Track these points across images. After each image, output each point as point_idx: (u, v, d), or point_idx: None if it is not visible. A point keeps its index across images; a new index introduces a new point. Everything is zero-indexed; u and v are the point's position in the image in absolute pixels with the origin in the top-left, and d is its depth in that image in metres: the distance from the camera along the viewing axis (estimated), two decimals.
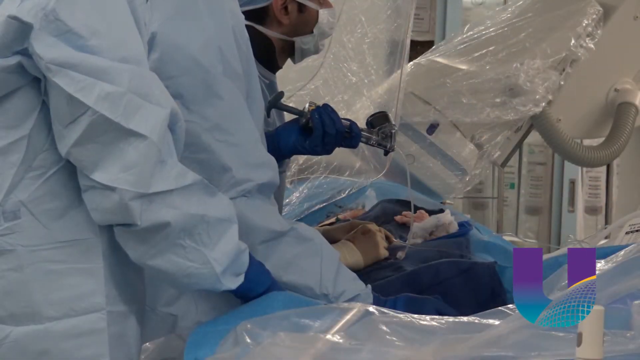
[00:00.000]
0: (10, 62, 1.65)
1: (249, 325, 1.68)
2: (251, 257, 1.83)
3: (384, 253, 2.46)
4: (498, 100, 2.99)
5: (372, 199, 3.17)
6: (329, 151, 2.36)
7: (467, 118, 3.02)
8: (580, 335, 1.37)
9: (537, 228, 5.36)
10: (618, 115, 3.05)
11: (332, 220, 2.95)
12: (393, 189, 3.16)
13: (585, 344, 1.36)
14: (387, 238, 2.57)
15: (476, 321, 1.65)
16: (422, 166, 3.05)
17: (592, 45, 3.01)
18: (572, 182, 5.23)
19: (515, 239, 3.51)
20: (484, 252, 2.57)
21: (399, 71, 3.01)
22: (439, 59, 3.14)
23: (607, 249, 2.03)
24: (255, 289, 1.85)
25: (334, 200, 3.19)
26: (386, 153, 2.46)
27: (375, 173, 3.21)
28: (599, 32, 3.01)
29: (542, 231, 5.34)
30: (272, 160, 2.03)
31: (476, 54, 3.06)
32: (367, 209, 3.08)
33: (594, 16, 2.99)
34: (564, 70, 3.01)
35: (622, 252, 1.76)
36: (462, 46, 3.14)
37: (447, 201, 3.22)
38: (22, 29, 1.63)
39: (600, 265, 1.69)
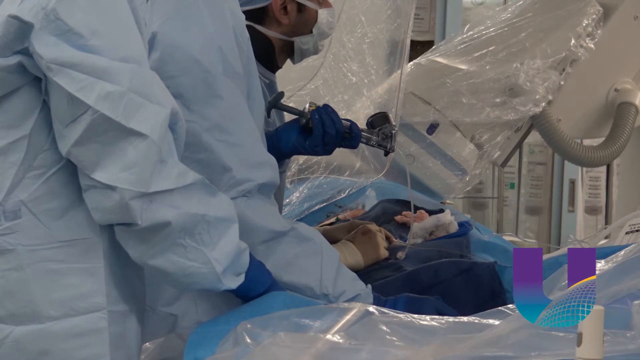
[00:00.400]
0: (11, 62, 1.65)
1: (249, 325, 1.68)
2: (251, 257, 1.84)
3: (384, 253, 2.46)
4: (498, 100, 2.98)
5: (372, 199, 3.17)
6: (329, 151, 2.36)
7: (467, 118, 3.02)
8: (580, 335, 1.37)
9: (537, 228, 5.36)
10: (618, 115, 3.05)
11: (332, 220, 2.95)
12: (393, 189, 3.17)
13: (585, 344, 1.36)
14: (387, 238, 2.57)
15: (476, 321, 1.65)
16: (422, 166, 3.05)
17: (592, 45, 3.00)
18: (572, 182, 5.23)
19: (515, 239, 3.51)
20: (484, 252, 2.57)
21: (399, 71, 3.01)
22: (439, 59, 3.13)
23: (607, 249, 2.03)
24: (256, 288, 1.85)
25: (334, 200, 3.19)
26: (386, 154, 2.46)
27: (375, 173, 3.21)
28: (599, 32, 3.01)
29: (542, 231, 5.34)
30: (272, 160, 2.03)
31: (476, 54, 3.05)
32: (367, 209, 3.08)
33: (594, 16, 2.99)
34: (564, 70, 3.00)
35: (622, 252, 1.75)
36: (462, 46, 3.13)
37: (447, 201, 3.22)
38: (23, 28, 1.63)
39: (600, 265, 1.68)
